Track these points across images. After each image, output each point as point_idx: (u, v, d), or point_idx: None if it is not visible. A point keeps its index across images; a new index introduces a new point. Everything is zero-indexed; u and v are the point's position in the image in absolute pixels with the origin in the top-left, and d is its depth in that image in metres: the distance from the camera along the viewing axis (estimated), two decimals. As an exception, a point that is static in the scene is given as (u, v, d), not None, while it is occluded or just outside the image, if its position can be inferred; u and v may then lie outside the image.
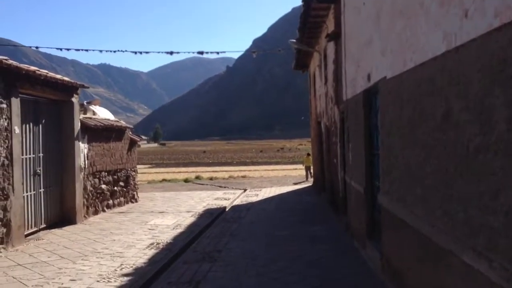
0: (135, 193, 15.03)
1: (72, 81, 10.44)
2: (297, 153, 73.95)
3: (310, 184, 20.69)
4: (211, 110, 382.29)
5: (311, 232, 9.72)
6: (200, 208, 13.96)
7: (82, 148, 11.13)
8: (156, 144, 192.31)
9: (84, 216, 11.29)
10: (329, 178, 13.14)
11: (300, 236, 9.34)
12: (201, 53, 20.04)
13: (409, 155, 4.59)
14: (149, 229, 10.45)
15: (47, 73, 9.36)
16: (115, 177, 13.36)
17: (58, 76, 10.01)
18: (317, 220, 11.27)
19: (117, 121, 14.06)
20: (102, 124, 11.94)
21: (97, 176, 12.13)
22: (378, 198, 6.15)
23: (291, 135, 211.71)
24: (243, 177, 27.92)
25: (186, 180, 24.75)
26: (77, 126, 10.86)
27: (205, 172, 37.94)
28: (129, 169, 14.43)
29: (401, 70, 4.78)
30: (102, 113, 14.72)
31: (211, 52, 20.24)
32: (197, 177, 26.38)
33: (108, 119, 13.33)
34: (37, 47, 16.72)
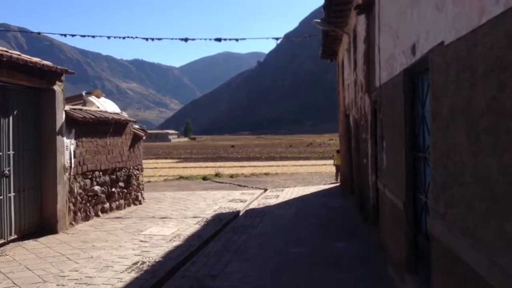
0: (139, 194, 13.45)
1: (52, 65, 8.84)
2: (326, 148, 71.82)
3: (338, 184, 18.72)
4: (242, 104, 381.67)
5: (334, 250, 7.85)
6: (209, 213, 12.26)
7: (68, 144, 9.56)
8: (186, 139, 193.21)
9: (71, 223, 9.74)
10: (358, 180, 11.20)
11: (321, 256, 7.49)
12: (219, 39, 18.31)
13: (489, 164, 2.68)
14: (141, 241, 8.80)
15: (16, 54, 7.77)
16: (113, 177, 11.79)
17: (34, 59, 8.43)
18: (343, 232, 9.37)
19: (118, 113, 12.48)
20: (94, 117, 10.34)
21: (89, 176, 10.56)
22: (428, 222, 4.24)
23: (322, 129, 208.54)
24: (266, 174, 26.14)
25: (204, 178, 23.16)
26: (61, 118, 9.28)
27: (232, 167, 36.73)
28: (131, 168, 12.86)
29: (475, 25, 2.87)
30: (107, 106, 13.20)
31: (230, 39, 18.46)
32: (217, 175, 24.76)
33: (106, 111, 11.75)
34: (39, 33, 15.39)
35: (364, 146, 9.41)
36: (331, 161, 32.54)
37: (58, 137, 9.16)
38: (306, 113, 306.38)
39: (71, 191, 9.69)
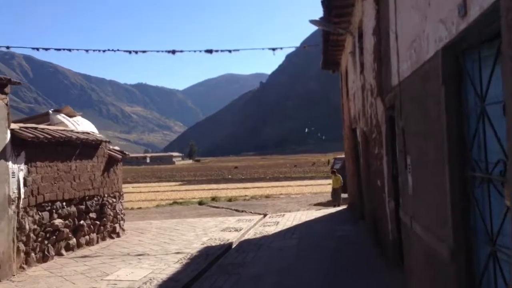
0: (117, 225, 11.68)
1: (-11, 73, 7.18)
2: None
3: (344, 207, 16.83)
4: (246, 126, 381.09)
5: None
6: (196, 246, 10.46)
7: (15, 170, 7.84)
8: (191, 161, 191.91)
9: (21, 267, 7.96)
10: (370, 206, 9.39)
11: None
12: (210, 51, 16.68)
13: None
14: (101, 290, 7.00)
15: None
16: (82, 207, 10.04)
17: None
18: (356, 272, 7.51)
19: (88, 133, 10.79)
20: (50, 137, 8.63)
21: (47, 208, 8.81)
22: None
23: (326, 149, 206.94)
24: (267, 197, 24.26)
25: (200, 203, 21.33)
26: (4, 139, 7.59)
27: (235, 188, 35.36)
28: (106, 196, 11.11)
29: None
30: (84, 125, 11.55)
31: (222, 51, 16.85)
32: (214, 199, 22.92)
33: (71, 131, 10.06)
34: (8, 47, 13.86)
35: (378, 164, 7.63)
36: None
37: (0, 162, 7.45)
38: (310, 132, 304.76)
39: (20, 227, 7.92)
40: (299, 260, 8.72)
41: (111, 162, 11.44)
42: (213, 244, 10.76)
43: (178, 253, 9.83)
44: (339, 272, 7.60)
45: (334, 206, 17.51)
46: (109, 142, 11.44)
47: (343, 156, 20.06)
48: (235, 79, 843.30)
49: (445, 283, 3.61)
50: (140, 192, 34.87)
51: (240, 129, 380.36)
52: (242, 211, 17.83)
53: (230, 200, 22.63)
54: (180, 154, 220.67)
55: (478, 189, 3.11)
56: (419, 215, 4.50)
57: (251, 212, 17.36)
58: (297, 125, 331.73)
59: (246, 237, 11.92)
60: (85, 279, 7.66)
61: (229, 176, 62.75)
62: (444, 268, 3.56)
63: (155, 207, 20.88)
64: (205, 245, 10.65)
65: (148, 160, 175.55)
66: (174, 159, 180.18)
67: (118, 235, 11.64)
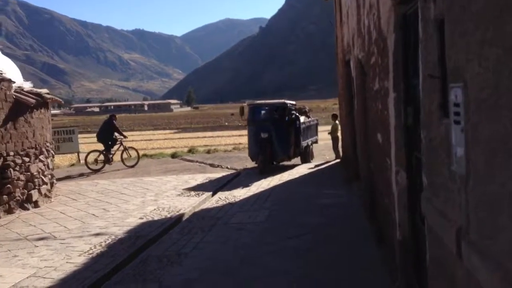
0: (34, 192, 8.87)
1: None
2: (330, 113, 66.93)
3: (337, 160, 13.97)
4: (245, 72, 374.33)
5: None
6: (131, 222, 7.72)
7: None
8: (189, 108, 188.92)
9: None
10: (366, 168, 6.48)
11: None
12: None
13: None
14: None
15: None
16: (-37, 171, 7.16)
17: None
18: (347, 275, 4.72)
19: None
20: None
21: None
22: None
23: (326, 95, 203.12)
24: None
25: (173, 156, 18.49)
26: None
27: (231, 136, 33.44)
28: (11, 154, 8.21)
29: None
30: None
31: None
32: (190, 151, 20.09)
33: None
34: None
35: (378, 108, 4.64)
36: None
37: None
38: (310, 78, 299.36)
39: None
40: (261, 250, 5.91)
41: (19, 109, 8.46)
42: (156, 218, 8.00)
43: (98, 234, 7.07)
44: (319, 273, 4.81)
45: (336, 157, 14.60)
46: (10, 81, 8.37)
47: (274, 101, 14.78)
48: (235, 24, 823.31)
49: None
50: (133, 141, 31.92)
51: (240, 75, 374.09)
52: (218, 166, 15.03)
53: (208, 152, 19.78)
54: (179, 102, 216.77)
55: None
56: (487, 230, 1.59)
57: (227, 168, 14.57)
58: (298, 70, 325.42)
59: (206, 205, 9.14)
60: None
61: (226, 123, 60.12)
62: None
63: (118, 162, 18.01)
64: (144, 220, 7.89)
65: (146, 108, 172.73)
66: (172, 107, 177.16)
67: (35, 205, 8.87)
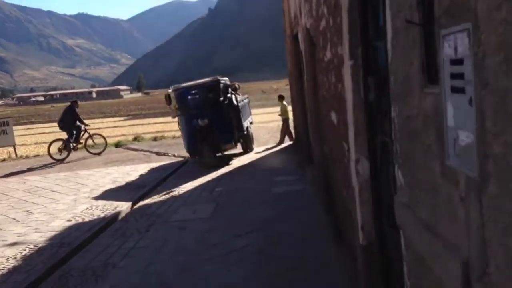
0: None
1: None
2: (284, 93, 66.52)
3: (289, 143, 13.25)
4: (196, 54, 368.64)
5: None
6: (56, 226, 6.73)
7: None
8: (140, 94, 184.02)
9: None
10: (319, 152, 5.73)
11: None
12: None
13: None
14: None
15: None
16: None
17: None
18: (303, 283, 3.99)
19: None
20: None
21: None
22: None
23: (280, 76, 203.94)
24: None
25: (117, 145, 17.27)
26: None
27: None
28: None
29: None
30: None
31: None
32: (136, 139, 18.89)
33: None
34: None
35: (331, 81, 3.85)
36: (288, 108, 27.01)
37: None
38: (263, 60, 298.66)
39: None
40: (203, 256, 5.07)
41: None
42: (87, 219, 7.02)
43: (14, 244, 6.03)
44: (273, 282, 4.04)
45: (281, 142, 13.83)
46: None
47: (204, 80, 11.94)
48: (183, 6, 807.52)
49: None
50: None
51: (190, 58, 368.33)
52: (164, 154, 14.02)
53: (155, 139, 18.65)
54: (129, 88, 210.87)
55: None
56: None
57: (174, 155, 13.59)
58: (249, 52, 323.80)
59: (146, 200, 8.18)
60: None
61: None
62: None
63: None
64: (72, 222, 6.90)
65: (94, 95, 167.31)
66: (122, 93, 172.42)
67: None
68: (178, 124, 12.15)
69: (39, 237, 6.23)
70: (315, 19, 4.53)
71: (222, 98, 11.03)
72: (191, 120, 10.85)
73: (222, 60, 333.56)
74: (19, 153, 17.15)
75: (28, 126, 40.20)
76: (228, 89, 11.47)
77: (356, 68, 2.82)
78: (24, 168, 13.25)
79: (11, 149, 16.94)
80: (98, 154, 14.69)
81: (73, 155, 14.27)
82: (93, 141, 15.07)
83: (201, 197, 7.87)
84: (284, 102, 13.85)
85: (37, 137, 26.06)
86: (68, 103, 15.26)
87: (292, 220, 5.95)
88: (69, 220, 7.04)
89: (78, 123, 14.45)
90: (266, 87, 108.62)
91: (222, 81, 11.43)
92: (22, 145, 21.16)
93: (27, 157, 16.15)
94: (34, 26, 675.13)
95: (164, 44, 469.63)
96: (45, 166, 13.26)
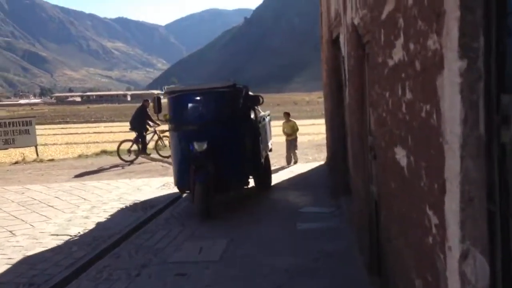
0: None
1: None
2: (315, 106, 65.29)
3: (322, 162, 11.76)
4: (230, 63, 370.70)
5: None
6: (36, 254, 5.59)
7: None
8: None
9: None
10: (364, 194, 4.31)
11: None
12: None
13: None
14: None
15: None
16: None
17: None
18: None
19: None
20: None
21: None
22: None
23: (311, 87, 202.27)
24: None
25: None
26: None
27: None
28: None
29: None
30: None
31: None
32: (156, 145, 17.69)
33: None
34: None
35: (398, 97, 2.47)
36: (318, 121, 25.24)
37: None
38: (295, 70, 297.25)
39: None
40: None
41: None
42: (74, 249, 5.83)
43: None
44: None
45: (288, 163, 12.16)
46: None
47: (215, 84, 7.96)
48: (219, 14, 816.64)
49: None
50: (111, 132, 29.24)
51: (224, 66, 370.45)
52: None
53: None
54: (162, 92, 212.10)
55: None
56: None
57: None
58: (283, 62, 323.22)
59: (148, 226, 6.90)
60: None
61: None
62: None
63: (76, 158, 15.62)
64: (54, 253, 5.70)
65: (129, 98, 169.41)
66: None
67: None
68: (168, 142, 9.52)
69: (6, 273, 5.03)
70: (371, 7, 3.15)
71: (237, 113, 7.67)
72: (186, 140, 7.30)
73: (256, 70, 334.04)
74: (48, 153, 16.62)
75: (63, 125, 40.03)
76: (247, 101, 8.01)
77: (472, 77, 1.45)
78: (95, 168, 12.98)
79: (28, 150, 16.20)
80: (168, 157, 12.31)
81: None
82: (162, 142, 14.19)
83: (213, 228, 6.54)
84: (292, 119, 12.45)
85: (69, 137, 25.50)
86: (139, 104, 14.68)
87: (323, 274, 4.55)
88: (53, 249, 5.84)
89: (149, 122, 13.91)
90: (298, 98, 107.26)
91: (240, 88, 7.90)
92: (54, 144, 20.74)
93: (41, 160, 15.19)
94: (75, 28, 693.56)
95: (199, 51, 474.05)
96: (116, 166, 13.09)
